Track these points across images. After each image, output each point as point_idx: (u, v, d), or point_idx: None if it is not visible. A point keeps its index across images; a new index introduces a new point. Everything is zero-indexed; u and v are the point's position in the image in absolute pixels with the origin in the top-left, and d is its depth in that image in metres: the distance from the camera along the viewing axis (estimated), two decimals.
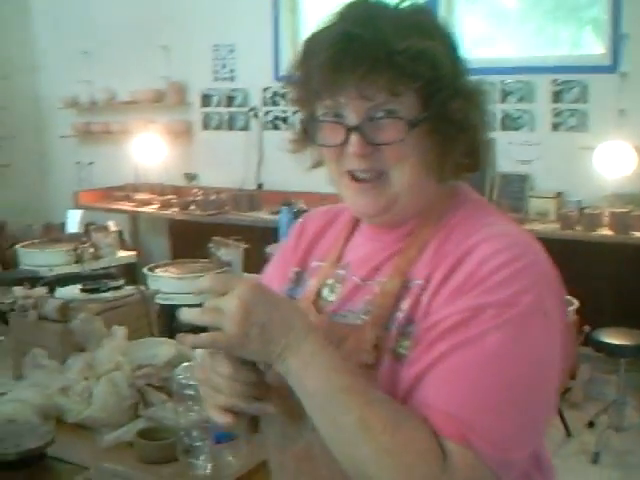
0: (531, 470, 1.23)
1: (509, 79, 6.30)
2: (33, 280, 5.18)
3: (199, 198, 7.11)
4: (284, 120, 7.17)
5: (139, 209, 7.52)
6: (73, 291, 2.89)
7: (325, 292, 1.33)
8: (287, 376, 1.12)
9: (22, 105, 8.52)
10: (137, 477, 1.91)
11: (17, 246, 6.83)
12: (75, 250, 6.20)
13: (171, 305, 4.98)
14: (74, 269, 5.89)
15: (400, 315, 1.19)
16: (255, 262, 5.58)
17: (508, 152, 6.28)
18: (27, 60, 8.66)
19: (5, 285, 6.32)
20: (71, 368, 2.38)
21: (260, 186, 7.34)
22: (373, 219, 1.30)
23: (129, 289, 2.89)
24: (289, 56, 7.13)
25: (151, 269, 5.45)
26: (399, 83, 1.16)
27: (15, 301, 2.72)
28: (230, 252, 5.34)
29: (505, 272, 1.12)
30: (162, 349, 2.45)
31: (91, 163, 8.44)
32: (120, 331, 2.47)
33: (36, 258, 6.42)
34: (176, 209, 7.19)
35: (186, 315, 1.13)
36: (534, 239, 1.24)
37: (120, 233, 7.15)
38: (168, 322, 4.78)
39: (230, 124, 7.66)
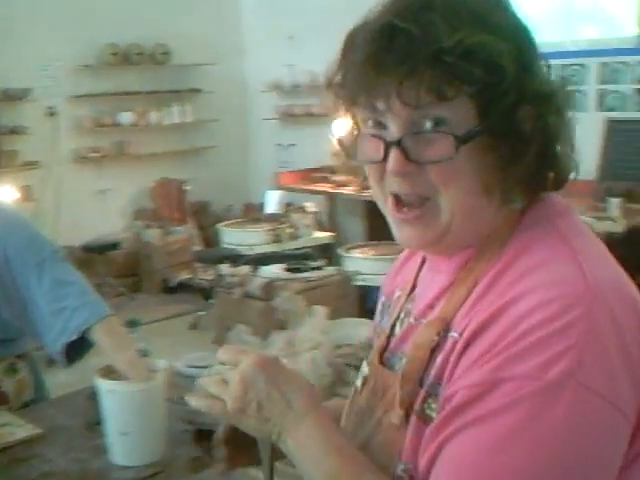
0: None
1: None
2: (234, 258, 5.38)
3: None
4: None
5: (337, 191, 7.61)
6: (276, 270, 2.96)
7: (397, 328, 1.20)
8: (288, 455, 1.09)
9: (228, 89, 8.81)
10: None
11: (219, 225, 7.09)
12: (274, 230, 6.36)
13: (367, 286, 5.03)
14: (273, 248, 6.05)
15: (432, 372, 1.03)
16: None
17: None
18: (235, 45, 8.95)
19: (208, 263, 6.60)
20: (273, 345, 2.43)
21: None
22: (423, 250, 1.15)
23: (330, 270, 2.93)
24: None
25: (347, 250, 5.51)
26: (447, 86, 0.95)
27: (218, 278, 2.81)
28: None
29: (539, 333, 0.91)
30: (361, 329, 2.46)
31: (292, 145, 8.62)
32: (321, 310, 2.51)
33: (236, 237, 6.65)
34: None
35: (203, 380, 1.13)
36: (618, 284, 0.99)
37: (317, 214, 7.28)
38: (363, 303, 4.83)
39: None
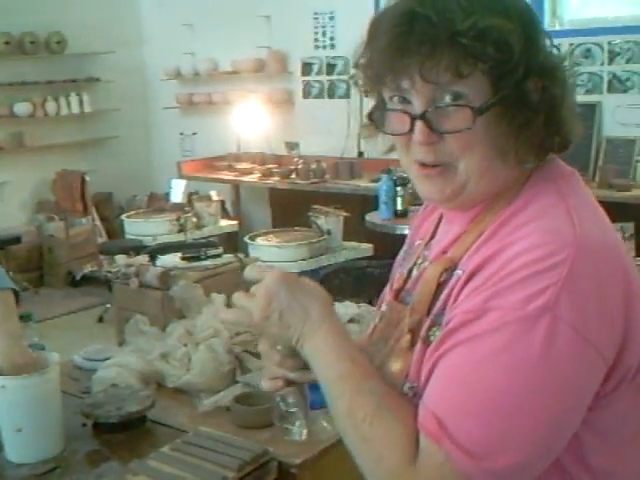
0: None
1: (617, 39, 6.08)
2: (138, 249, 5.31)
3: (300, 167, 7.13)
4: None
5: (241, 178, 7.60)
6: (173, 259, 2.93)
7: (414, 271, 1.36)
8: (306, 358, 1.23)
9: (128, 78, 8.69)
10: (234, 441, 1.93)
11: (122, 216, 7.00)
12: (178, 220, 6.32)
13: None
14: (177, 238, 6.00)
15: (438, 304, 1.21)
16: (354, 230, 5.59)
17: (615, 116, 6.08)
18: (133, 34, 8.83)
19: (111, 254, 6.50)
20: (171, 334, 2.42)
21: (361, 154, 7.31)
22: (441, 205, 1.29)
23: (228, 257, 2.92)
24: None
25: (252, 238, 5.50)
26: (463, 64, 1.10)
27: (118, 269, 2.78)
28: (330, 220, 5.34)
29: (526, 272, 1.07)
30: None
31: (194, 133, 8.56)
32: (219, 298, 2.50)
33: (140, 228, 6.57)
34: (277, 178, 7.25)
35: (234, 297, 1.28)
36: (606, 242, 1.14)
37: (222, 202, 7.25)
38: None
39: (331, 92, 7.64)
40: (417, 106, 1.15)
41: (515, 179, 1.20)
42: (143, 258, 2.85)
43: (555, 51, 1.20)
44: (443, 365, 1.12)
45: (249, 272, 1.28)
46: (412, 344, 1.23)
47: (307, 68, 7.78)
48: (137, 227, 6.66)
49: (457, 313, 1.13)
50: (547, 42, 1.19)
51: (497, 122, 1.14)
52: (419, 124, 1.15)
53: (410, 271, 1.37)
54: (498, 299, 1.08)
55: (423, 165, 1.20)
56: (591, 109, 6.15)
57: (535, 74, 1.14)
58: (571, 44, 6.18)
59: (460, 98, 1.13)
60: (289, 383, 1.31)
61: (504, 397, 1.06)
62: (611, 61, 6.13)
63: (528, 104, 1.14)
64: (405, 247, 1.47)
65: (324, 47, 7.62)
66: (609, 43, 6.11)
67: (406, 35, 1.11)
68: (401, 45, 1.11)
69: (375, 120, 1.25)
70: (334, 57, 7.55)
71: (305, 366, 1.26)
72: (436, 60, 1.10)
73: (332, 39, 7.53)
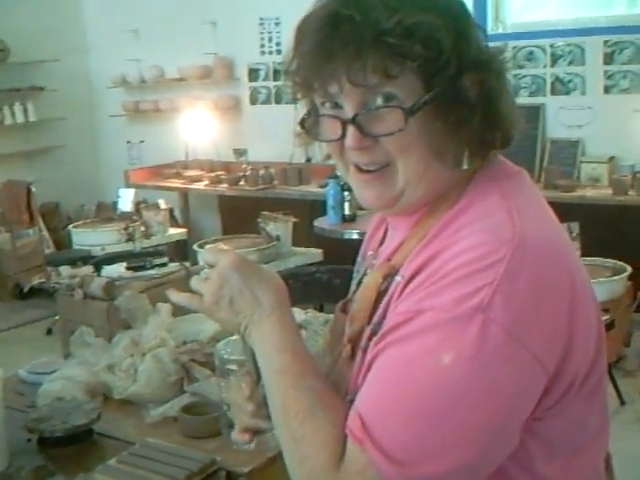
0: None
1: (559, 42, 6.17)
2: (85, 260, 5.26)
3: (248, 173, 7.12)
4: None
5: (189, 186, 7.56)
6: (118, 269, 2.91)
7: (364, 281, 1.31)
8: (253, 347, 1.19)
9: (73, 86, 8.57)
10: (182, 452, 1.92)
11: (70, 226, 6.93)
12: (126, 229, 6.25)
13: None
14: (126, 248, 5.94)
15: (378, 312, 1.17)
16: (304, 236, 5.59)
17: (559, 117, 6.17)
18: (78, 41, 8.72)
19: (59, 265, 6.43)
20: (117, 345, 2.40)
21: (309, 160, 7.30)
22: (382, 211, 1.26)
23: (174, 266, 2.91)
24: None
25: (201, 245, 5.47)
26: (391, 64, 1.05)
27: (62, 280, 2.75)
28: (279, 226, 5.33)
29: (461, 272, 1.03)
30: (206, 325, 2.45)
31: (142, 141, 8.50)
32: (165, 308, 2.48)
33: (88, 238, 6.50)
34: (226, 185, 7.23)
35: (192, 282, 1.23)
36: (548, 242, 1.09)
37: (171, 210, 7.21)
38: None
39: (278, 98, 7.64)
40: (348, 110, 1.11)
41: (457, 181, 1.15)
42: (88, 269, 2.82)
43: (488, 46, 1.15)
44: (374, 368, 1.08)
45: (207, 255, 1.24)
46: (353, 355, 1.19)
47: (254, 74, 7.77)
48: (85, 237, 6.59)
49: (392, 316, 1.09)
50: (480, 35, 1.14)
51: (432, 121, 1.09)
52: (350, 129, 1.10)
53: (359, 282, 1.32)
54: (431, 299, 1.04)
55: (360, 170, 1.15)
56: (535, 111, 6.24)
57: (470, 69, 1.09)
58: (514, 47, 6.24)
59: (391, 99, 1.08)
60: (257, 431, 1.28)
61: (430, 401, 1.01)
62: (554, 63, 6.22)
63: (464, 100, 1.09)
64: (359, 258, 1.43)
65: (270, 53, 7.62)
66: (551, 46, 6.20)
67: (330, 38, 1.06)
68: (326, 49, 1.06)
69: (307, 128, 1.19)
70: (280, 63, 7.51)
71: None
72: (362, 62, 1.05)
73: (278, 45, 7.53)
